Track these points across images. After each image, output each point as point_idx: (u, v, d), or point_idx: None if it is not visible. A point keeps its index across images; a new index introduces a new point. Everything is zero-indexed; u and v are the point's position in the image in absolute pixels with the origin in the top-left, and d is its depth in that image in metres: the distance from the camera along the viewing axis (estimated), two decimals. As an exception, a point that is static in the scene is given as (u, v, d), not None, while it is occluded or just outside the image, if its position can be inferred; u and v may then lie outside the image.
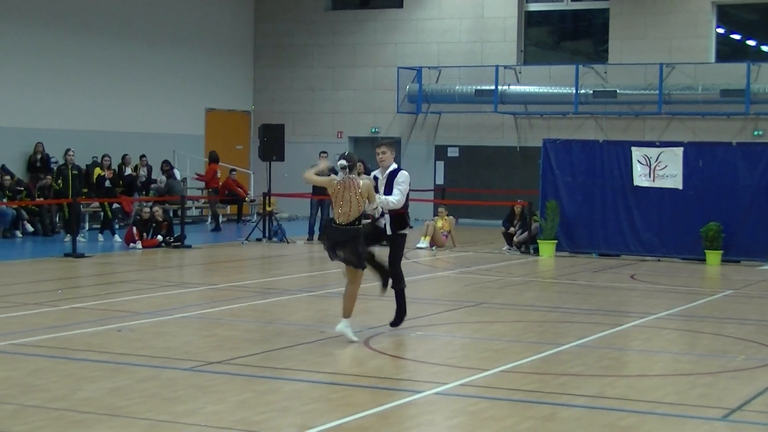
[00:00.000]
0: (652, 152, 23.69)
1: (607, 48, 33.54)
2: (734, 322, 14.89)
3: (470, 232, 29.99)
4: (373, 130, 35.99)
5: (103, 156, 27.64)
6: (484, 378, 10.82)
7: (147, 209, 25.08)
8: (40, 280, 18.82)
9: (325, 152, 22.56)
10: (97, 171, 26.61)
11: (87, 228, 27.70)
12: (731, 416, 9.42)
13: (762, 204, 22.89)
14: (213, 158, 32.46)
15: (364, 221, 12.89)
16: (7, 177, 27.44)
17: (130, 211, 28.64)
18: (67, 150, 26.58)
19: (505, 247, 25.38)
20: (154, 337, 12.81)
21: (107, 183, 26.58)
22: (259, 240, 26.63)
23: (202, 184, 33.30)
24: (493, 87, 33.34)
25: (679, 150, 23.52)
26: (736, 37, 34.16)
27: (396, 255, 13.26)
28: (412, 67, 34.89)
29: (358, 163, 28.46)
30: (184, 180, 32.86)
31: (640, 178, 23.68)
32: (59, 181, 26.05)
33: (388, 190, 13.11)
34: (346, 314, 12.69)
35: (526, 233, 24.90)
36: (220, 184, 32.46)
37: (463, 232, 29.11)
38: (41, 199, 27.26)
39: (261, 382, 10.48)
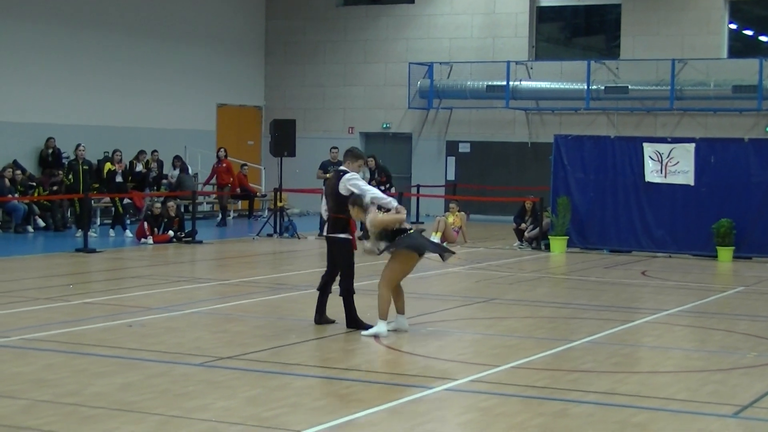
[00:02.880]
0: (664, 148, 23.65)
1: (618, 44, 33.47)
2: (746, 319, 14.86)
3: (481, 228, 29.97)
4: (385, 126, 35.99)
5: (114, 151, 27.67)
6: (495, 374, 10.81)
7: (158, 204, 25.09)
8: (51, 275, 18.85)
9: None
10: (108, 166, 26.63)
11: (98, 223, 27.74)
12: (743, 413, 9.40)
13: (774, 200, 22.88)
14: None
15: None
16: (19, 172, 27.48)
17: (141, 206, 28.67)
18: (78, 145, 26.60)
19: (516, 243, 25.35)
20: (165, 333, 12.82)
21: (118, 177, 26.60)
22: (270, 235, 26.64)
23: (213, 179, 33.24)
24: (504, 83, 33.30)
25: (691, 146, 23.48)
26: (749, 32, 34.07)
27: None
28: (423, 63, 34.87)
29: (370, 159, 28.59)
30: (195, 175, 32.86)
31: (652, 174, 23.64)
32: (70, 176, 26.08)
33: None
34: (401, 310, 13.18)
35: (537, 229, 24.88)
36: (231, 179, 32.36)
37: (474, 228, 29.08)
38: (54, 194, 27.27)
39: (272, 377, 10.48)
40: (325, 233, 13.64)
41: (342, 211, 13.07)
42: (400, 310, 13.16)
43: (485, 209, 33.35)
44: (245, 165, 33.19)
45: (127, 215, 27.72)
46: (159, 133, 32.88)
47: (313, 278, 18.95)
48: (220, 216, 31.29)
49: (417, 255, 12.92)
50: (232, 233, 28.61)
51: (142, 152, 30.41)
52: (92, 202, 25.74)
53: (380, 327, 12.84)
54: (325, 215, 13.67)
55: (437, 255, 13.43)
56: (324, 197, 13.64)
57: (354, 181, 13.09)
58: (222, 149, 32.13)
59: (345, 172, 13.28)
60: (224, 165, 31.99)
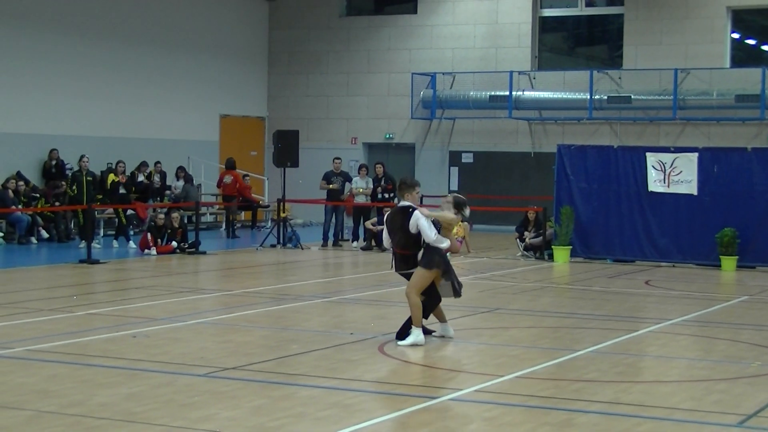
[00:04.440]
0: (667, 158, 23.66)
1: (621, 53, 33.49)
2: (750, 328, 14.85)
3: (485, 238, 29.97)
4: (387, 136, 36.01)
5: (117, 162, 27.69)
6: (499, 384, 10.81)
7: (162, 215, 25.11)
8: (55, 286, 18.86)
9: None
10: (112, 177, 26.65)
11: (102, 234, 27.76)
12: (747, 422, 9.39)
13: (777, 210, 22.88)
14: (230, 165, 32.01)
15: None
16: (22, 183, 27.52)
17: (144, 217, 28.69)
18: (82, 156, 26.63)
19: (519, 253, 25.34)
20: (169, 343, 12.83)
21: (121, 189, 26.61)
22: (273, 246, 26.65)
23: (216, 190, 33.21)
24: (507, 93, 33.30)
25: (694, 155, 23.48)
26: (751, 42, 34.07)
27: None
28: (426, 73, 34.89)
29: (378, 165, 28.45)
30: (198, 186, 32.86)
31: (655, 183, 23.65)
32: (74, 188, 26.10)
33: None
34: (443, 320, 13.33)
35: (540, 238, 24.88)
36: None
37: (478, 238, 29.08)
38: (58, 205, 27.30)
39: (276, 388, 10.48)
40: (395, 270, 13.36)
41: (410, 247, 13.00)
42: (442, 319, 13.23)
43: (488, 219, 33.34)
44: (247, 176, 33.18)
45: (131, 226, 27.73)
46: (162, 143, 32.92)
47: (317, 288, 19.03)
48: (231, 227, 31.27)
49: (436, 273, 12.97)
50: (235, 244, 28.62)
51: (144, 163, 30.44)
52: (95, 213, 25.74)
53: (417, 335, 12.81)
54: (389, 246, 13.46)
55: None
56: (388, 232, 13.28)
57: (422, 222, 12.86)
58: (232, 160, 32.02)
59: (412, 208, 13.06)
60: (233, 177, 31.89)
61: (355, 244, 27.30)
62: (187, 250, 24.73)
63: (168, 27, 33.73)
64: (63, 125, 30.10)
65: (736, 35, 32.72)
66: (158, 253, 24.34)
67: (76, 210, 26.19)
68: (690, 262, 23.56)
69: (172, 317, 14.91)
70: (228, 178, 31.43)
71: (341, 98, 36.68)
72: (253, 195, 33.20)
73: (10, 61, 28.83)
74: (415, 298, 12.84)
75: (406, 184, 13.35)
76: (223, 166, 32.52)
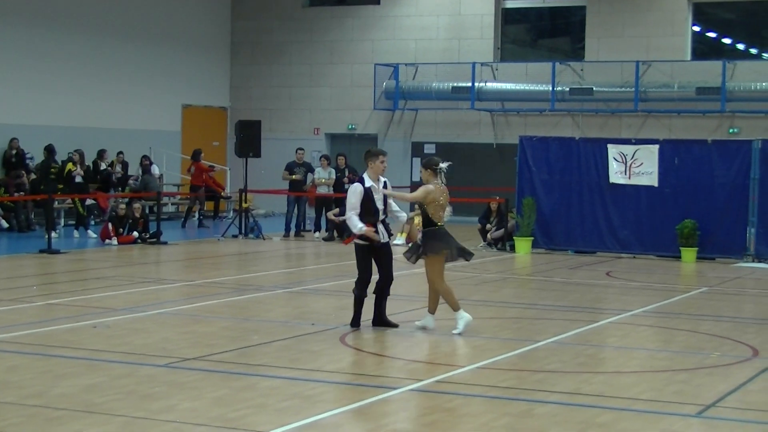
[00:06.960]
0: (628, 149, 23.77)
1: (583, 45, 33.60)
2: (709, 319, 14.96)
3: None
4: (350, 127, 35.98)
5: (74, 150, 27.45)
6: (460, 374, 10.84)
7: (123, 205, 24.99)
8: (15, 276, 18.75)
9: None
10: (69, 166, 26.48)
11: (63, 224, 27.58)
12: (706, 412, 9.47)
13: (737, 201, 22.98)
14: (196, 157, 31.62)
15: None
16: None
17: (106, 207, 28.52)
18: (46, 146, 26.45)
19: (481, 244, 25.40)
20: (130, 334, 12.78)
21: (78, 178, 26.38)
22: (235, 236, 26.58)
23: (179, 180, 33.02)
24: (469, 84, 33.33)
25: (655, 147, 23.60)
26: (712, 35, 34.25)
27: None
28: (389, 64, 34.87)
29: (340, 157, 28.50)
30: (160, 176, 32.69)
31: (616, 175, 23.76)
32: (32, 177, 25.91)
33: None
34: (432, 310, 13.54)
35: (502, 230, 24.94)
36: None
37: (440, 229, 29.05)
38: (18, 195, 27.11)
39: (237, 378, 10.47)
40: (384, 239, 13.43)
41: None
42: (431, 310, 13.39)
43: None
44: (213, 167, 33.02)
45: (92, 216, 27.58)
46: (124, 133, 32.74)
47: (279, 279, 19.00)
48: (197, 216, 30.96)
49: (440, 256, 13.51)
50: (196, 234, 28.52)
51: (103, 151, 30.22)
52: (54, 203, 25.53)
53: (463, 316, 13.12)
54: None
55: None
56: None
57: (348, 195, 13.24)
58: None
59: (358, 179, 13.39)
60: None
61: (317, 234, 27.28)
62: (148, 240, 24.63)
63: (130, 17, 33.52)
64: (24, 115, 29.86)
65: (697, 28, 32.89)
66: (119, 243, 24.22)
67: (36, 200, 26.01)
68: (651, 253, 23.70)
69: (133, 308, 14.85)
70: (192, 169, 31.27)
71: (304, 89, 36.61)
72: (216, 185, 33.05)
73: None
74: (443, 286, 13.29)
75: (369, 153, 13.52)
76: (189, 157, 32.16)
